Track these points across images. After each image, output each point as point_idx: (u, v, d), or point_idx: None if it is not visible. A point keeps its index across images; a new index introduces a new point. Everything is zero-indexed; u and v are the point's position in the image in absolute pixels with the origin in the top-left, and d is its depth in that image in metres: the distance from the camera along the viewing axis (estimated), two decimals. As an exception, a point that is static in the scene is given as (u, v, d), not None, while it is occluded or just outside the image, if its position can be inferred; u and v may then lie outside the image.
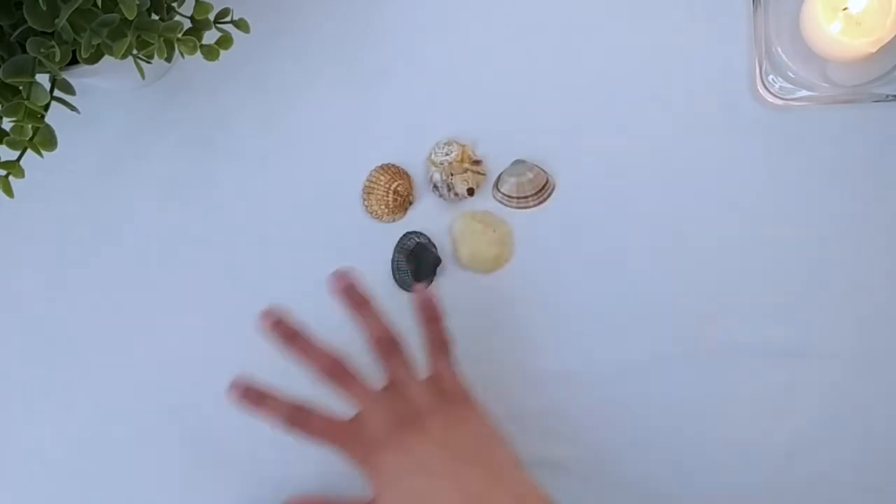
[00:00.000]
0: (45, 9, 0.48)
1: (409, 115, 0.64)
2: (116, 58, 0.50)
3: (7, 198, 0.53)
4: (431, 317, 0.56)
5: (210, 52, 0.56)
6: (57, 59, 0.50)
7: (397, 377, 0.54)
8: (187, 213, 0.66)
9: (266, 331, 0.55)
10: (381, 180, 0.63)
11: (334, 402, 0.54)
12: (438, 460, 0.51)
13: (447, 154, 0.62)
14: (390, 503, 0.51)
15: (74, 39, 0.49)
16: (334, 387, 0.54)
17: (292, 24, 0.66)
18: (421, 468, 0.51)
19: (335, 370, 0.54)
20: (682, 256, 0.62)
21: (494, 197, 0.63)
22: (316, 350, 0.54)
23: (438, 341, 0.56)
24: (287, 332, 0.55)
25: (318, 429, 0.54)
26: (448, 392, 0.54)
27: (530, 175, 0.62)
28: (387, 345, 0.55)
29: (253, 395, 0.54)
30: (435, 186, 0.63)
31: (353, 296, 0.55)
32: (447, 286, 0.63)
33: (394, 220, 0.64)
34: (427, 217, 0.64)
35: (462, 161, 0.63)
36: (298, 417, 0.54)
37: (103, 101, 0.66)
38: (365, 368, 0.55)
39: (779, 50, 0.61)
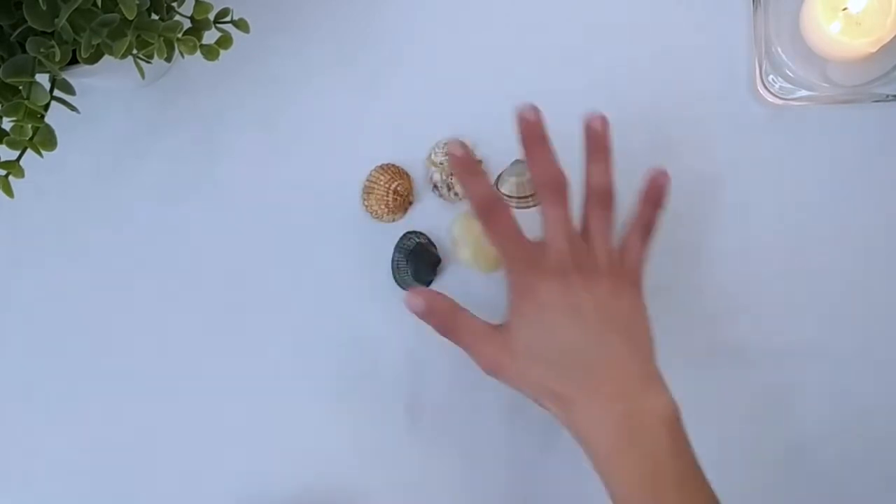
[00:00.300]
0: (45, 9, 0.48)
1: (409, 115, 0.64)
2: (116, 58, 0.50)
3: (7, 198, 0.53)
4: (656, 201, 0.57)
5: (210, 52, 0.56)
6: (57, 59, 0.50)
7: (595, 230, 0.55)
8: (187, 213, 0.66)
9: (520, 126, 0.54)
10: (381, 180, 0.63)
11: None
12: (592, 313, 0.52)
13: (447, 154, 0.62)
14: (525, 327, 0.53)
15: (74, 39, 0.49)
16: (546, 203, 0.54)
17: (292, 24, 0.66)
18: (574, 310, 0.52)
19: (556, 186, 0.54)
20: (682, 256, 0.62)
21: (494, 197, 0.63)
22: (549, 161, 0.54)
23: (648, 224, 0.57)
24: (534, 135, 0.54)
25: (502, 228, 0.54)
26: (627, 268, 0.55)
27: (530, 175, 0.62)
28: (603, 197, 0.55)
29: (465, 163, 0.54)
30: (435, 186, 0.63)
31: (600, 142, 0.56)
32: (447, 286, 0.63)
33: (394, 220, 0.64)
34: (427, 217, 0.64)
35: (462, 161, 0.62)
36: (492, 208, 0.54)
37: (103, 101, 0.66)
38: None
39: (779, 50, 0.61)
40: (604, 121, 0.56)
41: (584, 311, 0.52)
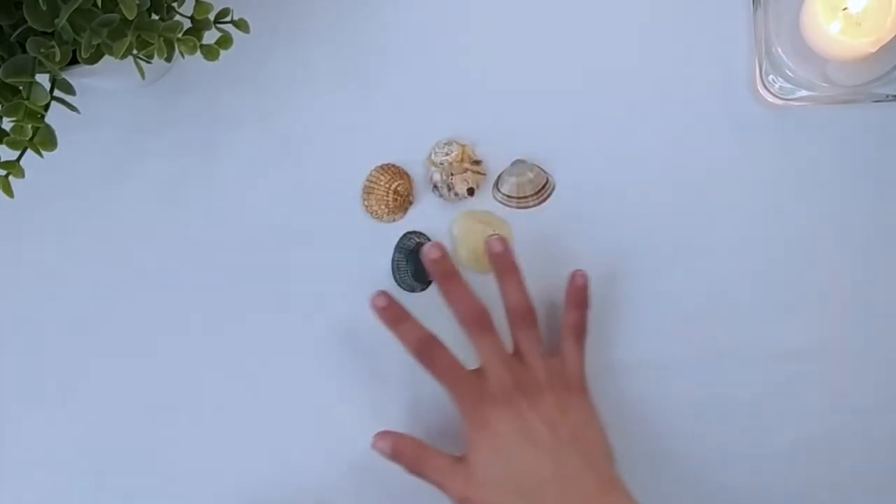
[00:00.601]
0: (45, 9, 0.48)
1: (409, 115, 0.64)
2: (116, 58, 0.50)
3: (7, 198, 0.53)
4: (581, 303, 0.59)
5: (210, 52, 0.56)
6: (57, 59, 0.50)
7: (527, 349, 0.57)
8: (187, 213, 0.66)
9: (427, 263, 0.57)
10: (381, 180, 0.63)
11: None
12: (543, 433, 0.54)
13: (447, 154, 0.62)
14: (483, 459, 0.54)
15: (74, 39, 0.49)
16: (475, 335, 0.56)
17: (292, 24, 0.66)
18: (524, 434, 0.54)
19: (478, 319, 0.56)
20: (683, 256, 0.62)
21: (494, 197, 0.63)
22: (465, 294, 0.57)
23: (579, 326, 0.59)
24: (446, 270, 0.57)
25: (443, 368, 0.56)
26: (568, 375, 0.57)
27: (530, 175, 0.62)
28: (524, 315, 0.57)
29: (392, 313, 0.57)
30: (435, 186, 0.63)
31: (505, 261, 0.58)
32: (447, 286, 0.63)
33: (394, 220, 0.64)
34: (427, 217, 0.64)
35: (462, 161, 0.63)
36: (429, 350, 0.56)
37: (103, 101, 0.66)
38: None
39: (779, 50, 0.61)
40: (503, 242, 0.58)
41: (534, 433, 0.54)
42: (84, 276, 0.66)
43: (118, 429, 0.65)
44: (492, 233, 0.62)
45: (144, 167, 0.66)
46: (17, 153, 0.52)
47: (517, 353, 0.58)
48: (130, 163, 0.66)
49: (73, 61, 0.53)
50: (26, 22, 0.48)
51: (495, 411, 0.55)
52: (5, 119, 0.51)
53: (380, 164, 0.64)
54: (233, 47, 0.57)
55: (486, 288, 0.63)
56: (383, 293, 0.57)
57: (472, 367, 0.57)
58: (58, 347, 0.66)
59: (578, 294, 0.59)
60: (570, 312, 0.59)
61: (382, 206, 0.63)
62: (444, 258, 0.57)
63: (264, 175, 0.65)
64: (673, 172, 0.62)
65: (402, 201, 0.63)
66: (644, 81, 0.63)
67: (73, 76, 0.55)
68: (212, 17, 0.56)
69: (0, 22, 0.51)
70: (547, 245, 0.63)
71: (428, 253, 0.57)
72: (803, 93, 0.60)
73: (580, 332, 0.59)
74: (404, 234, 0.64)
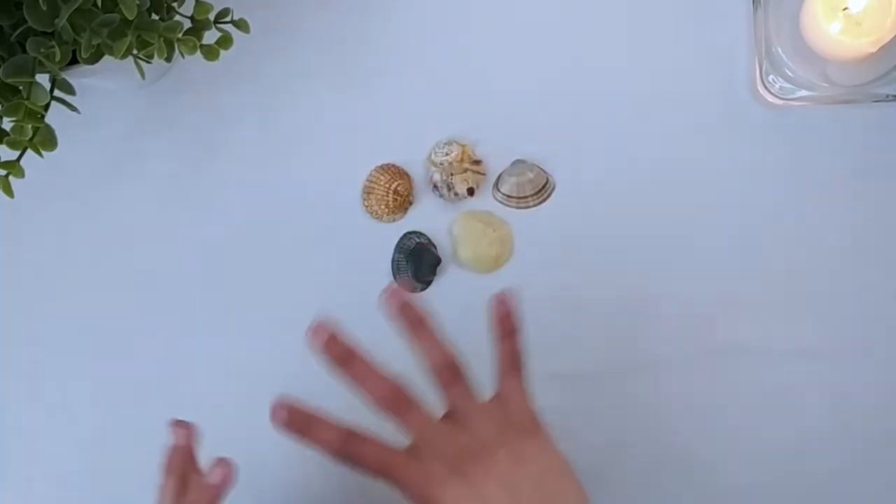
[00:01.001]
0: (45, 9, 0.48)
1: (409, 115, 0.64)
2: (116, 58, 0.50)
3: (7, 198, 0.53)
4: (509, 330, 0.51)
5: (210, 52, 0.56)
6: (57, 59, 0.50)
7: (460, 406, 0.50)
8: (187, 212, 0.66)
9: (317, 349, 0.49)
10: (381, 180, 0.63)
11: (382, 428, 0.50)
12: (504, 498, 0.47)
13: (447, 154, 0.62)
14: None
15: (74, 39, 0.49)
16: (392, 416, 0.49)
17: (292, 24, 0.66)
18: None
19: (395, 398, 0.49)
20: (683, 256, 0.62)
21: (494, 197, 0.63)
22: (372, 374, 0.49)
23: (512, 357, 0.51)
24: (342, 353, 0.49)
25: (373, 459, 0.48)
26: (515, 418, 0.50)
27: (530, 175, 0.62)
28: (448, 371, 0.50)
29: (299, 421, 0.49)
30: (435, 186, 0.63)
31: (410, 314, 0.50)
32: (447, 286, 0.63)
33: (394, 220, 0.64)
34: (427, 217, 0.64)
35: (462, 161, 0.63)
36: (351, 446, 0.48)
37: (103, 101, 0.66)
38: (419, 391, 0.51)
39: (779, 50, 0.61)
40: (403, 294, 0.51)
41: (493, 499, 0.47)
42: (84, 276, 0.66)
43: (118, 428, 0.65)
44: (492, 232, 0.62)
45: (144, 167, 0.66)
46: (17, 153, 0.52)
47: (453, 414, 0.50)
48: (130, 163, 0.66)
49: (73, 61, 0.53)
50: (26, 22, 0.48)
51: (445, 491, 0.47)
52: (5, 119, 0.51)
53: (380, 164, 0.64)
54: (233, 47, 0.57)
55: (487, 288, 0.63)
56: (281, 403, 0.48)
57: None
58: (58, 346, 0.66)
59: (504, 323, 0.51)
60: (501, 344, 0.51)
61: (382, 206, 0.63)
62: (337, 342, 0.50)
63: (264, 175, 0.65)
64: (673, 172, 0.62)
65: (402, 201, 0.63)
66: (644, 82, 0.63)
67: (73, 76, 0.55)
68: (212, 17, 0.56)
69: (0, 22, 0.51)
70: (547, 245, 0.63)
71: (317, 336, 0.49)
72: (803, 93, 0.60)
73: (516, 363, 0.51)
74: (404, 234, 0.64)
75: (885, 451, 0.59)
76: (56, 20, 0.48)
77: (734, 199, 0.62)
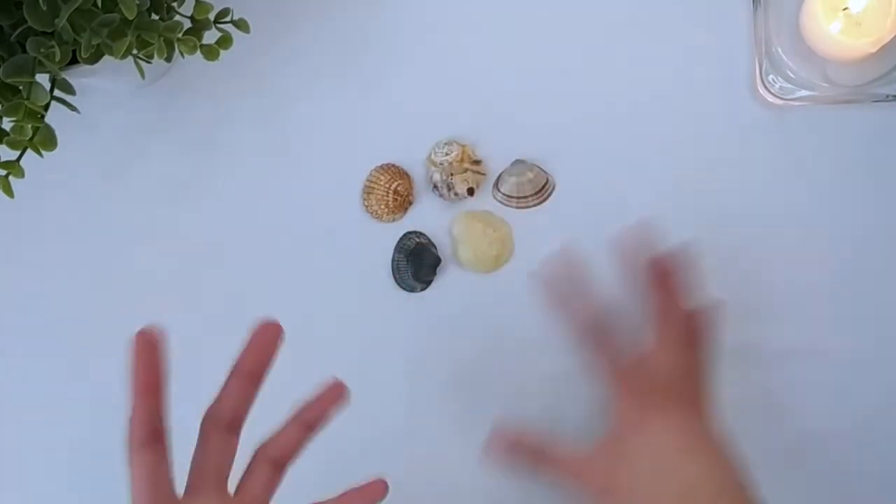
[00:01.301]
0: (45, 9, 0.48)
1: (409, 115, 0.64)
2: (116, 58, 0.50)
3: (7, 198, 0.53)
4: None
5: (210, 52, 0.56)
6: (57, 59, 0.50)
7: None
8: (187, 213, 0.66)
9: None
10: (381, 180, 0.63)
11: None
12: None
13: (447, 154, 0.62)
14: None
15: (74, 39, 0.49)
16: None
17: (292, 24, 0.66)
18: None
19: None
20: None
21: (494, 197, 0.63)
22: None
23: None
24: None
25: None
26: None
27: (530, 175, 0.62)
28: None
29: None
30: (435, 186, 0.63)
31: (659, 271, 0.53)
32: (447, 286, 0.63)
33: (394, 220, 0.64)
34: (427, 217, 0.64)
35: (462, 161, 0.63)
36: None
37: (103, 101, 0.66)
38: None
39: (779, 50, 0.61)
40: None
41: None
42: (84, 276, 0.66)
43: (118, 428, 0.65)
44: (492, 233, 0.62)
45: (144, 167, 0.66)
46: (17, 153, 0.52)
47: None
48: (130, 163, 0.66)
49: (73, 61, 0.53)
50: (26, 22, 0.48)
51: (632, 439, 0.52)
52: (5, 119, 0.51)
53: (380, 164, 0.64)
54: (233, 47, 0.57)
55: (487, 288, 0.63)
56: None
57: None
58: (57, 347, 0.66)
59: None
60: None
61: (382, 206, 0.63)
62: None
63: (264, 175, 0.65)
64: (673, 172, 0.62)
65: (402, 201, 0.63)
66: (644, 81, 0.63)
67: (73, 76, 0.55)
68: (212, 17, 0.56)
69: (0, 22, 0.51)
70: (547, 245, 0.63)
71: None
72: (803, 93, 0.60)
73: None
74: (404, 234, 0.64)
75: (885, 452, 0.59)
76: (56, 20, 0.48)
77: (734, 199, 0.62)
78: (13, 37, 0.51)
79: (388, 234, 0.64)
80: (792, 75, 0.60)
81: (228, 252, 0.65)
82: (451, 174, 0.62)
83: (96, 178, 0.66)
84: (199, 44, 0.54)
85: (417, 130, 0.64)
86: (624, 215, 0.62)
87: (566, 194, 0.63)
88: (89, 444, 0.65)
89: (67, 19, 0.48)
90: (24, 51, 0.50)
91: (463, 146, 0.63)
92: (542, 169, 0.63)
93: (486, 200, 0.64)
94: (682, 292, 0.53)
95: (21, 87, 0.50)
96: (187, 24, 0.55)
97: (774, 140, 0.61)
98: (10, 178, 0.52)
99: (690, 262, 0.54)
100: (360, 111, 0.65)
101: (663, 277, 0.53)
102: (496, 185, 0.63)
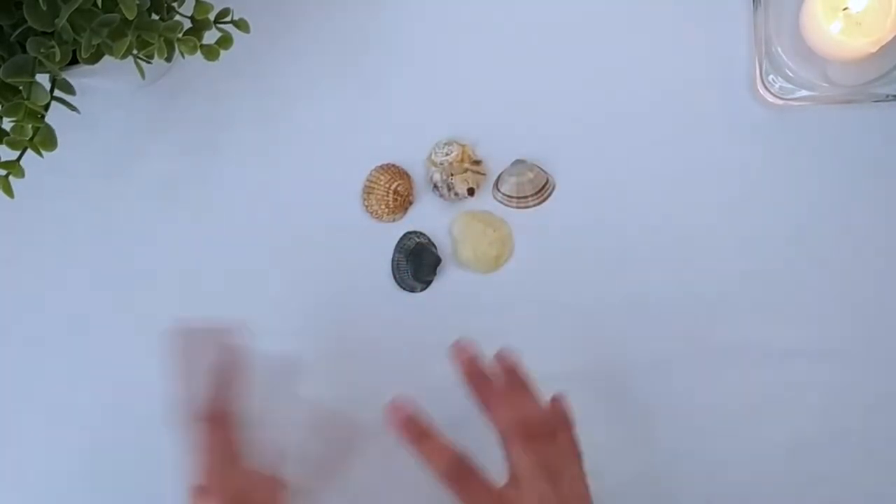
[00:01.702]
0: (45, 9, 0.48)
1: (409, 115, 0.64)
2: (116, 58, 0.50)
3: (7, 198, 0.53)
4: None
5: (210, 52, 0.56)
6: (57, 59, 0.50)
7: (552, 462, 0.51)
8: (187, 213, 0.66)
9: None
10: (381, 180, 0.63)
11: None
12: None
13: (447, 154, 0.62)
14: None
15: (74, 39, 0.49)
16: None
17: (293, 24, 0.66)
18: None
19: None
20: (683, 256, 0.62)
21: (494, 197, 0.63)
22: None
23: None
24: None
25: (475, 494, 0.49)
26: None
27: (530, 175, 0.62)
28: (458, 470, 0.50)
29: (415, 430, 0.50)
30: (435, 186, 0.63)
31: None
32: (447, 286, 0.63)
33: (394, 220, 0.64)
34: (427, 217, 0.64)
35: (462, 161, 0.63)
36: (459, 473, 0.50)
37: (103, 101, 0.66)
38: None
39: (779, 50, 0.61)
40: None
41: None
42: (84, 276, 0.66)
43: (118, 428, 0.65)
44: (492, 233, 0.62)
45: (144, 167, 0.66)
46: (17, 153, 0.52)
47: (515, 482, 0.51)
48: (130, 163, 0.66)
49: (73, 61, 0.53)
50: (26, 22, 0.48)
51: None
52: (5, 119, 0.51)
53: (380, 164, 0.64)
54: (233, 47, 0.57)
55: (487, 288, 0.63)
56: (402, 406, 0.51)
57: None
58: (57, 346, 0.66)
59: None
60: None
61: (382, 206, 0.63)
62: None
63: (264, 175, 0.65)
64: (673, 172, 0.62)
65: (402, 201, 0.63)
66: (644, 81, 0.63)
67: (73, 76, 0.55)
68: (212, 17, 0.56)
69: (0, 22, 0.51)
70: (547, 245, 0.63)
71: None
72: (803, 93, 0.60)
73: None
74: (404, 234, 0.64)
75: (885, 452, 0.59)
76: (56, 20, 0.48)
77: (734, 199, 0.62)
78: (13, 37, 0.51)
79: (388, 234, 0.64)
80: (792, 75, 0.60)
81: (228, 252, 0.65)
82: (451, 174, 0.62)
83: (96, 178, 0.66)
84: (199, 44, 0.54)
85: (417, 130, 0.64)
86: (624, 215, 0.62)
87: (566, 194, 0.63)
88: (90, 444, 0.65)
89: (67, 19, 0.48)
90: (25, 51, 0.50)
91: (463, 146, 0.63)
92: (542, 169, 0.63)
93: (486, 200, 0.64)
94: (514, 398, 0.52)
95: (21, 87, 0.50)
96: (187, 24, 0.55)
97: (774, 140, 0.61)
98: (10, 178, 0.52)
99: (515, 364, 0.53)
100: (360, 111, 0.65)
101: (485, 390, 0.52)
102: (496, 185, 0.63)
